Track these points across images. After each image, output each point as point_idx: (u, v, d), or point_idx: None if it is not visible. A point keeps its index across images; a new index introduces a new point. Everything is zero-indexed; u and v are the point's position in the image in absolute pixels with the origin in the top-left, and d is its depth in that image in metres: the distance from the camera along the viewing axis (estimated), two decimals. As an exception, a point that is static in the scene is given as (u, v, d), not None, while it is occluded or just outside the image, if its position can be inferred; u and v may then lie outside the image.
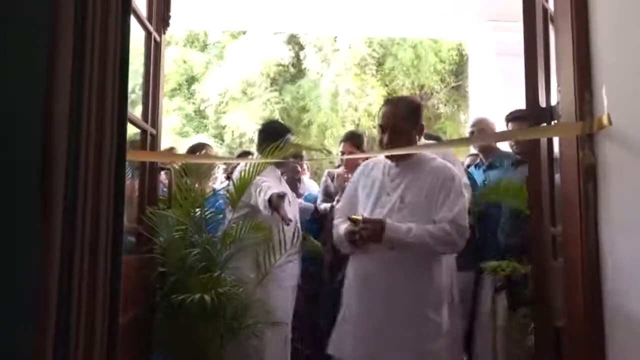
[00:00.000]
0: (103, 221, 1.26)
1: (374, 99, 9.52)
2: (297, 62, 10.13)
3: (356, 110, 9.63)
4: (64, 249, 1.13)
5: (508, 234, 2.81)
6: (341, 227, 2.25)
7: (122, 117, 1.37)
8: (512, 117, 3.00)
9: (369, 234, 2.08)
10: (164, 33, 2.62)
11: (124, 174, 1.37)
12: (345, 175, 3.22)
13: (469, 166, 3.64)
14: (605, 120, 1.47)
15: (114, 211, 1.30)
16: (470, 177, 3.14)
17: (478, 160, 3.49)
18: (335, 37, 9.53)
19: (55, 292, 1.07)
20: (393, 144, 2.23)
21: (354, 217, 2.15)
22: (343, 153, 3.45)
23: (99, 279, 1.18)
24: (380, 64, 10.15)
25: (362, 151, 3.36)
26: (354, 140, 3.49)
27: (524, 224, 2.37)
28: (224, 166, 3.85)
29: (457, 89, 10.51)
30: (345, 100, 9.59)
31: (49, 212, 1.09)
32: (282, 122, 5.63)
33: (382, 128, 2.28)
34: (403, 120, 2.25)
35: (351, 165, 3.20)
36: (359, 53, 9.76)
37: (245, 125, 9.69)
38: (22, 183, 1.13)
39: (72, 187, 1.17)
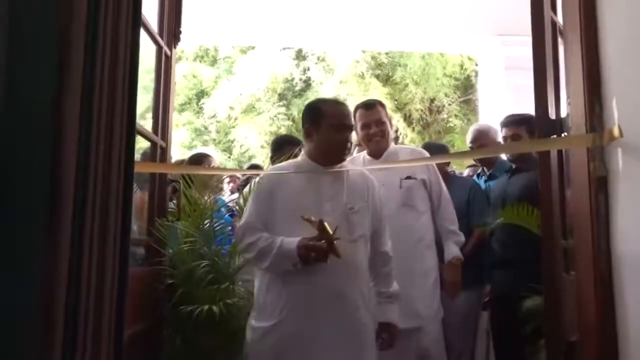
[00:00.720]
0: (110, 233, 1.26)
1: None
2: (305, 75, 10.20)
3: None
4: (72, 260, 1.13)
5: (503, 243, 2.77)
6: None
7: (131, 128, 1.38)
8: (507, 122, 2.94)
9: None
10: (175, 47, 2.65)
11: (131, 185, 1.38)
12: None
13: (470, 177, 3.58)
14: (616, 132, 1.46)
15: (122, 223, 1.31)
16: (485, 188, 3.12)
17: (480, 170, 3.40)
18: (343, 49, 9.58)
19: (63, 304, 1.07)
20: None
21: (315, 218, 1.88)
22: (368, 125, 3.17)
23: (106, 291, 1.19)
24: (389, 76, 10.20)
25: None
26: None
27: (520, 233, 2.37)
28: (227, 179, 3.83)
29: (467, 103, 10.53)
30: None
31: (57, 222, 1.10)
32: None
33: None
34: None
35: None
36: (365, 63, 9.81)
37: (253, 139, 9.75)
38: (31, 193, 1.13)
39: (80, 198, 1.18)
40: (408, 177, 2.67)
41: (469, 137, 3.27)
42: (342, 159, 2.08)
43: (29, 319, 1.08)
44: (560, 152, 1.83)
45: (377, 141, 2.69)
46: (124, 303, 1.31)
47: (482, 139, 3.16)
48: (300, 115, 2.19)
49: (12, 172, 1.14)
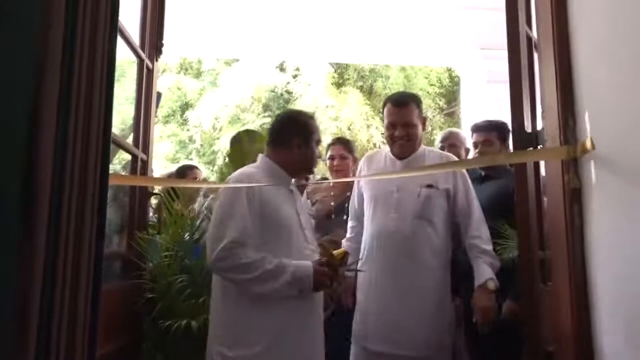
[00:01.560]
0: (86, 237, 1.25)
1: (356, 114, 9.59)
2: (288, 86, 10.25)
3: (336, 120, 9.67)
4: (47, 263, 1.12)
5: None
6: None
7: (107, 136, 1.37)
8: (478, 127, 2.92)
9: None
10: (157, 60, 2.65)
11: (106, 191, 1.37)
12: (330, 201, 3.01)
13: None
14: (588, 145, 1.49)
15: (97, 228, 1.30)
16: None
17: None
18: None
19: (37, 305, 1.06)
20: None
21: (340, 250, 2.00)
22: (333, 158, 3.17)
23: (80, 294, 1.17)
24: (371, 88, 10.28)
25: (354, 158, 3.18)
26: (346, 144, 3.24)
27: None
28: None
29: (451, 116, 10.64)
30: (324, 115, 9.62)
31: (33, 225, 1.09)
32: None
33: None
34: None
35: (342, 186, 3.02)
36: (347, 74, 9.87)
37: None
38: (6, 198, 1.12)
39: (56, 202, 1.17)
40: (429, 186, 2.34)
41: (439, 136, 3.33)
42: (311, 173, 2.19)
43: (3, 319, 1.06)
44: (536, 164, 1.86)
45: (401, 145, 2.43)
46: (98, 304, 1.28)
47: (452, 138, 3.24)
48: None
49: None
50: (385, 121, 2.46)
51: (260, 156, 2.06)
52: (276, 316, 1.82)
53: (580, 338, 1.53)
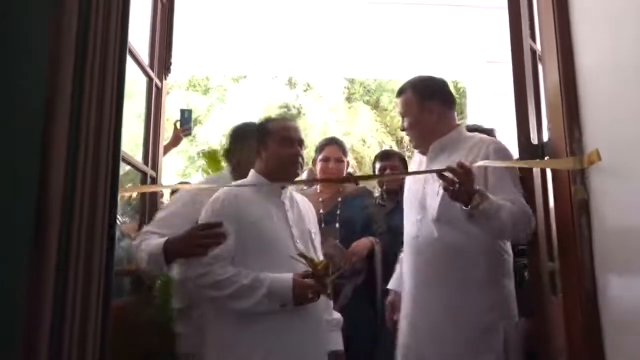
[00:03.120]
0: (97, 252, 1.27)
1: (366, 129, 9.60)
2: (297, 102, 10.33)
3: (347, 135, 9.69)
4: (57, 280, 1.14)
5: None
6: None
7: (117, 153, 1.40)
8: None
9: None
10: (166, 79, 2.70)
11: (116, 206, 1.39)
12: (318, 208, 2.53)
13: None
14: (595, 156, 1.49)
15: (107, 241, 1.32)
16: None
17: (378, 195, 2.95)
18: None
19: (47, 333, 1.07)
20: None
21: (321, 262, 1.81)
22: (327, 159, 2.75)
23: (90, 319, 1.19)
24: (377, 102, 10.33)
25: (347, 161, 2.84)
26: (341, 145, 2.85)
27: None
28: None
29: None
30: (335, 130, 9.63)
31: (43, 243, 1.11)
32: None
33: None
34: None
35: (330, 189, 2.73)
36: (354, 89, 9.93)
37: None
38: (17, 215, 1.15)
39: (66, 226, 1.19)
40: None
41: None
42: (295, 174, 1.96)
43: (13, 336, 1.08)
44: (543, 176, 1.86)
45: (410, 138, 2.19)
46: (108, 319, 1.29)
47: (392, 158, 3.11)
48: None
49: None
50: None
51: (251, 171, 1.98)
52: (267, 333, 1.74)
53: (591, 349, 1.52)
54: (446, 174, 1.70)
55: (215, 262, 1.73)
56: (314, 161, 2.88)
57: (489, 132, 2.45)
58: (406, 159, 3.07)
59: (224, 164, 2.23)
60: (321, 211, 2.61)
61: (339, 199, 2.70)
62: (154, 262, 1.84)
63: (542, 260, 1.81)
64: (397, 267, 2.24)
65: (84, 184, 1.26)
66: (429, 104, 2.04)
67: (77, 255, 1.21)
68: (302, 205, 2.02)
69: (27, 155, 1.21)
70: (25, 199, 1.18)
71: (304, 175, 3.26)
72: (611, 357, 1.48)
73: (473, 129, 2.32)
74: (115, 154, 1.38)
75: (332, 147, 2.78)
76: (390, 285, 2.25)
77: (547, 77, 1.76)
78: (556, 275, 1.77)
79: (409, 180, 2.18)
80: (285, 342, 1.74)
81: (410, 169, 2.37)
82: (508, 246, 1.95)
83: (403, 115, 2.11)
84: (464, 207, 1.70)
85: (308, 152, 2.42)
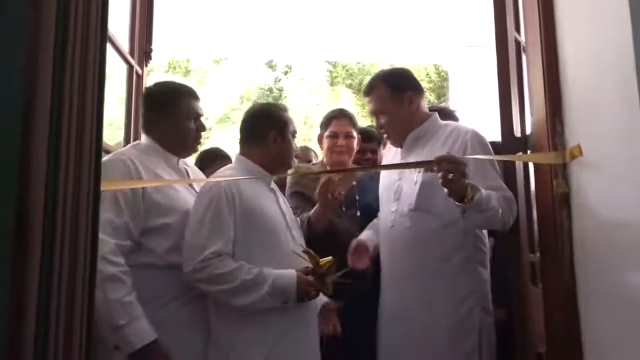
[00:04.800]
0: (81, 249, 1.26)
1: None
2: (278, 84, 10.27)
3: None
4: (41, 286, 1.13)
5: None
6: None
7: (99, 146, 1.38)
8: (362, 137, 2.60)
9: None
10: (146, 66, 2.65)
11: (99, 203, 1.36)
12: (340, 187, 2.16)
13: None
14: (577, 150, 1.52)
15: (91, 238, 1.30)
16: None
17: None
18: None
19: (32, 332, 1.06)
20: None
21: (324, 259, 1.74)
22: (336, 135, 2.37)
23: (76, 313, 1.18)
24: (360, 85, 10.31)
25: (358, 137, 2.46)
26: (352, 119, 2.45)
27: None
28: None
29: (440, 111, 10.70)
30: (316, 114, 9.59)
31: (26, 239, 1.10)
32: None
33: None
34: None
35: (339, 160, 2.35)
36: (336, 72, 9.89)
37: (228, 148, 9.71)
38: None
39: (50, 219, 1.18)
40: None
41: None
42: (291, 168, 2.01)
43: None
44: (526, 169, 1.88)
45: (386, 135, 2.11)
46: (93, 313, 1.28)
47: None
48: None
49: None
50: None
51: (236, 156, 1.93)
52: (270, 331, 1.70)
53: (570, 339, 1.56)
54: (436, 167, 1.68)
55: (216, 256, 1.64)
56: (320, 137, 2.47)
57: (451, 114, 2.46)
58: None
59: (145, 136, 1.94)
60: (342, 192, 2.23)
61: (354, 183, 2.42)
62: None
63: (523, 252, 1.84)
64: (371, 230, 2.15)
65: (67, 176, 1.23)
66: (405, 95, 2.00)
67: (62, 251, 1.19)
68: (280, 193, 2.00)
69: (6, 149, 1.18)
70: (6, 195, 1.15)
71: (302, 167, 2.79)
72: (589, 347, 1.53)
73: (435, 109, 2.30)
74: (97, 146, 1.36)
75: (341, 120, 2.39)
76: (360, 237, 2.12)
77: (531, 70, 1.77)
78: (536, 266, 1.81)
79: (385, 173, 2.15)
80: (286, 337, 1.71)
81: (385, 159, 2.26)
82: (484, 234, 1.97)
83: (378, 112, 2.03)
84: (457, 203, 1.69)
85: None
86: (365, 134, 2.52)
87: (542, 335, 1.71)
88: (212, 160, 2.63)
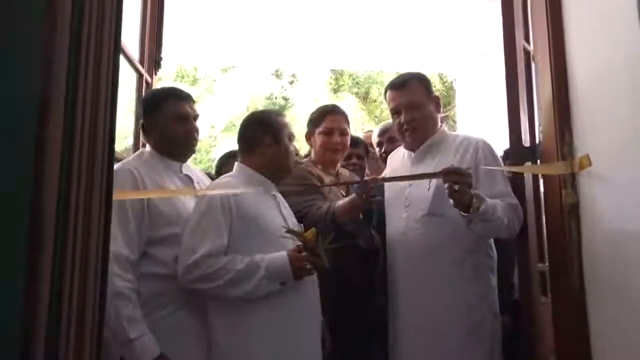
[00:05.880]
0: (92, 259, 1.26)
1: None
2: (284, 93, 10.30)
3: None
4: (52, 286, 1.13)
5: None
6: None
7: (111, 156, 1.38)
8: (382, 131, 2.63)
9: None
10: (156, 74, 2.67)
11: (110, 212, 1.37)
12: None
13: None
14: (586, 161, 1.52)
15: (102, 248, 1.30)
16: None
17: None
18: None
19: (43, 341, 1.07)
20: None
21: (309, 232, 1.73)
22: (331, 132, 2.26)
23: (87, 319, 1.18)
24: (367, 94, 10.33)
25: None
26: (345, 115, 2.37)
27: None
28: None
29: (446, 119, 10.69)
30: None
31: (38, 253, 1.10)
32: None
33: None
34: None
35: (334, 166, 2.29)
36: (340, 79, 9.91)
37: (235, 157, 9.77)
38: (9, 225, 1.14)
39: (62, 227, 1.18)
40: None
41: (376, 130, 2.77)
42: (291, 172, 1.96)
43: (9, 343, 1.07)
44: (535, 178, 1.88)
45: (410, 132, 2.02)
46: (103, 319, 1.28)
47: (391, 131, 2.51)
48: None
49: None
50: (390, 110, 2.09)
51: (236, 164, 1.93)
52: (269, 314, 1.69)
53: (580, 350, 1.55)
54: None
55: (206, 257, 1.65)
56: (310, 134, 2.34)
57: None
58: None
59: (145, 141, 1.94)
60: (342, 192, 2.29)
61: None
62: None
63: (532, 262, 1.84)
64: None
65: (79, 185, 1.24)
66: (433, 98, 2.04)
67: (73, 259, 1.20)
68: (282, 199, 1.98)
69: (20, 157, 1.19)
70: (20, 203, 1.16)
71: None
72: (597, 357, 1.52)
73: None
74: (110, 154, 1.37)
75: (336, 116, 2.29)
76: None
77: (540, 80, 1.77)
78: (546, 276, 1.80)
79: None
80: (288, 323, 1.71)
81: (389, 165, 2.26)
82: (492, 242, 1.97)
83: (412, 105, 1.98)
84: (463, 213, 1.72)
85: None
86: (352, 139, 2.42)
87: (552, 346, 1.70)
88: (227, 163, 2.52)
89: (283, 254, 1.70)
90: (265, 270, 1.66)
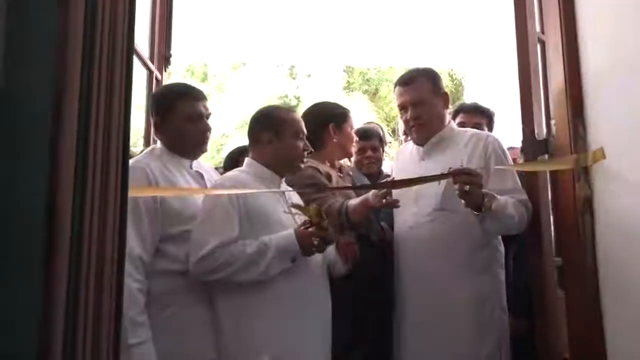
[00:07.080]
0: (108, 259, 1.26)
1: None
2: (296, 91, 10.29)
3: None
4: (69, 289, 1.13)
5: None
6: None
7: (126, 155, 1.39)
8: (469, 108, 2.61)
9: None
10: (165, 71, 2.68)
11: (126, 212, 1.37)
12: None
13: None
14: (599, 154, 1.49)
15: (118, 250, 1.31)
16: None
17: None
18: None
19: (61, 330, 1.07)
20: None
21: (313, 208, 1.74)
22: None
23: (103, 333, 1.18)
24: (377, 91, 10.30)
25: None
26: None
27: None
28: None
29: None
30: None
31: (54, 251, 1.10)
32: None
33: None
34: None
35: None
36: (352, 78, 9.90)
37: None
38: (27, 224, 1.14)
39: (77, 227, 1.19)
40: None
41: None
42: (299, 169, 1.93)
43: (27, 344, 1.07)
44: (550, 171, 1.85)
45: (417, 128, 2.02)
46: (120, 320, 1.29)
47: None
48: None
49: (5, 210, 1.16)
50: (397, 106, 2.10)
51: (246, 159, 1.94)
52: (277, 323, 1.70)
53: (593, 345, 1.53)
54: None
55: (218, 248, 1.66)
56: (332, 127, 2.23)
57: (489, 115, 2.50)
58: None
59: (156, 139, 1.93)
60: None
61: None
62: None
63: (546, 257, 1.81)
64: None
65: (94, 183, 1.24)
66: (441, 94, 2.04)
67: (89, 258, 1.20)
68: (294, 195, 1.98)
69: (35, 157, 1.19)
70: (35, 201, 1.16)
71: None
72: (612, 354, 1.50)
73: (473, 108, 2.44)
74: (125, 152, 1.37)
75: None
76: None
77: (552, 72, 1.75)
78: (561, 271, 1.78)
79: (401, 174, 2.12)
80: (299, 302, 1.72)
81: (397, 160, 2.28)
82: (500, 237, 1.97)
83: (417, 102, 1.98)
84: (475, 212, 1.72)
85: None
86: (363, 133, 2.49)
87: (566, 341, 1.68)
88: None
89: (290, 231, 1.72)
90: (275, 249, 1.68)
